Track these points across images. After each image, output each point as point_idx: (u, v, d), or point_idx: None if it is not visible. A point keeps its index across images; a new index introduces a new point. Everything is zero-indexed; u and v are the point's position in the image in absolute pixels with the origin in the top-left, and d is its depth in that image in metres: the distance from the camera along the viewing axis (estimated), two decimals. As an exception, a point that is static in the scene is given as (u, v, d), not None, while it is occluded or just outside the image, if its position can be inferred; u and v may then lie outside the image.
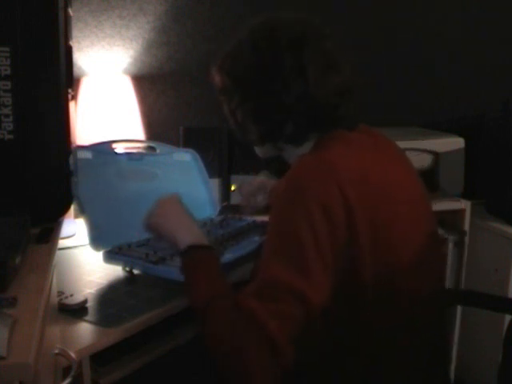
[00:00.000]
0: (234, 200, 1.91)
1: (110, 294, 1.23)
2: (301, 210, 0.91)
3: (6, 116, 0.94)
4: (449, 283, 1.92)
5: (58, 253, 0.98)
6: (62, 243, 1.42)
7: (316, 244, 0.90)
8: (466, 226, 1.90)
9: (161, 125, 2.02)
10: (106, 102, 1.79)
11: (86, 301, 1.15)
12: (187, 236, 1.08)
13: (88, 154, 1.42)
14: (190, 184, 1.67)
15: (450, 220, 1.92)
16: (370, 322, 0.98)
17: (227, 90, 1.11)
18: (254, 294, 0.90)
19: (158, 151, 1.63)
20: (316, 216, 0.90)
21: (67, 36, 0.99)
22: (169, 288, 1.23)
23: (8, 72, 0.93)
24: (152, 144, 1.65)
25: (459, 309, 1.94)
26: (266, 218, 1.67)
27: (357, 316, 0.98)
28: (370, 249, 0.94)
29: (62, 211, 1.03)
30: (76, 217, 1.61)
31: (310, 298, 0.89)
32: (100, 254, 1.33)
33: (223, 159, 1.91)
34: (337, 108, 1.05)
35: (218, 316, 0.92)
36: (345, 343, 1.00)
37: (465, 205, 1.88)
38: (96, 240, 1.34)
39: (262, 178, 1.55)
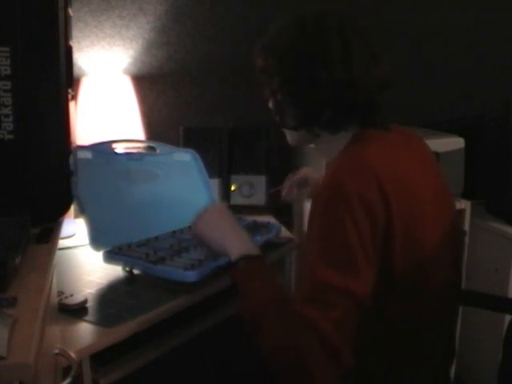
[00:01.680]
0: (234, 200, 1.91)
1: (110, 294, 1.23)
2: (344, 210, 0.92)
3: (6, 116, 0.94)
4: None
5: (58, 253, 0.98)
6: (61, 243, 1.42)
7: (361, 241, 0.91)
8: (466, 226, 1.90)
9: (161, 125, 2.02)
10: (105, 102, 1.79)
11: (85, 301, 1.15)
12: (238, 246, 1.08)
13: (88, 154, 1.42)
14: (189, 184, 1.67)
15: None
16: (394, 314, 0.99)
17: (270, 71, 1.11)
18: (308, 299, 0.90)
19: (158, 151, 1.63)
20: (359, 213, 0.91)
21: (67, 36, 0.99)
22: (169, 288, 1.23)
23: (8, 72, 0.93)
24: (152, 144, 1.65)
25: (459, 309, 1.93)
26: (266, 219, 1.68)
27: (383, 308, 0.99)
28: (402, 243, 0.96)
29: (62, 211, 1.03)
30: (76, 217, 1.61)
31: (361, 298, 0.90)
32: (100, 254, 1.33)
33: (223, 159, 1.91)
34: (376, 100, 1.06)
35: (276, 324, 0.92)
36: (370, 335, 1.01)
37: (465, 205, 1.88)
38: (96, 240, 1.34)
39: (306, 171, 1.56)
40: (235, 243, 1.09)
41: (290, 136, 1.18)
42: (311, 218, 0.98)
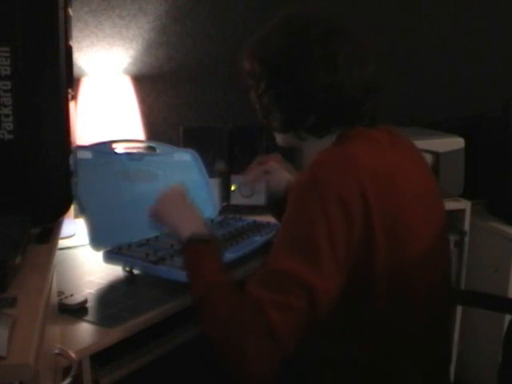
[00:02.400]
0: (234, 200, 1.91)
1: (110, 294, 1.23)
2: (317, 202, 0.92)
3: (6, 116, 0.93)
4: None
5: (58, 253, 0.98)
6: (62, 243, 1.42)
7: (329, 236, 0.91)
8: (466, 226, 1.90)
9: (161, 125, 2.02)
10: (106, 102, 1.79)
11: (86, 301, 1.15)
12: (188, 227, 1.09)
13: (88, 154, 1.42)
14: (190, 184, 1.66)
15: (450, 220, 1.91)
16: (382, 314, 0.99)
17: (255, 75, 1.12)
18: (259, 281, 0.91)
19: (158, 151, 1.63)
20: (332, 208, 0.91)
21: (67, 36, 0.99)
22: (169, 288, 1.23)
23: (8, 72, 0.93)
24: (152, 144, 1.65)
25: (459, 309, 1.94)
26: (266, 219, 1.68)
27: (370, 308, 0.98)
28: (386, 242, 0.95)
29: (62, 211, 1.03)
30: (76, 217, 1.61)
31: (316, 289, 0.89)
32: (100, 254, 1.33)
33: (223, 159, 1.90)
34: (361, 103, 1.05)
35: (219, 300, 0.94)
36: (357, 336, 1.01)
37: (465, 205, 1.88)
38: (96, 240, 1.34)
39: (275, 160, 1.52)
40: (187, 226, 1.10)
41: (278, 137, 1.19)
42: (287, 211, 0.98)
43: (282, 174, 1.47)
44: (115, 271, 1.32)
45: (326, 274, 0.91)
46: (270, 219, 1.72)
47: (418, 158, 1.13)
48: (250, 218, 1.64)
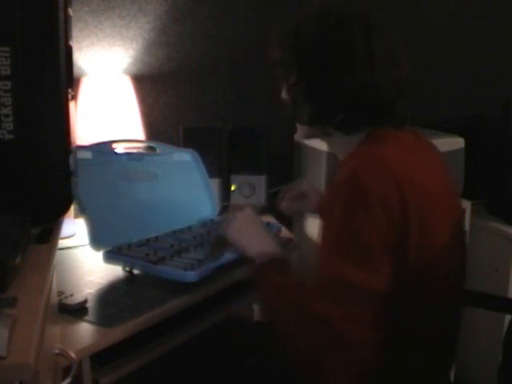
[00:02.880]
0: (234, 200, 1.91)
1: (110, 294, 1.23)
2: (363, 208, 0.92)
3: (6, 116, 0.93)
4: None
5: (58, 253, 0.98)
6: (62, 243, 1.42)
7: (379, 238, 0.92)
8: (466, 226, 1.90)
9: (161, 125, 2.02)
10: (106, 102, 1.79)
11: (86, 301, 1.15)
12: (260, 248, 1.10)
13: (88, 154, 1.42)
14: (190, 184, 1.67)
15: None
16: (400, 308, 1.00)
17: (287, 65, 1.09)
18: (321, 295, 0.91)
19: (157, 151, 1.63)
20: (378, 212, 0.92)
21: (67, 36, 0.99)
22: (169, 288, 1.23)
23: (8, 72, 0.93)
24: (152, 144, 1.65)
25: (463, 310, 1.93)
26: (266, 219, 1.68)
27: (397, 298, 0.99)
28: (416, 242, 0.96)
29: (62, 211, 1.03)
30: (76, 217, 1.61)
31: (377, 293, 0.91)
32: (100, 254, 1.33)
33: (223, 159, 1.91)
34: (393, 103, 1.05)
35: (296, 327, 0.93)
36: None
37: (465, 205, 1.88)
38: (96, 240, 1.34)
39: (306, 184, 1.53)
40: (258, 247, 1.11)
41: (302, 130, 1.17)
42: (328, 211, 0.97)
43: (316, 191, 1.49)
44: (115, 271, 1.32)
45: (382, 275, 0.92)
46: (270, 219, 1.72)
47: (439, 160, 1.14)
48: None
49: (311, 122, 1.10)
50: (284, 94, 1.14)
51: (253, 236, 1.16)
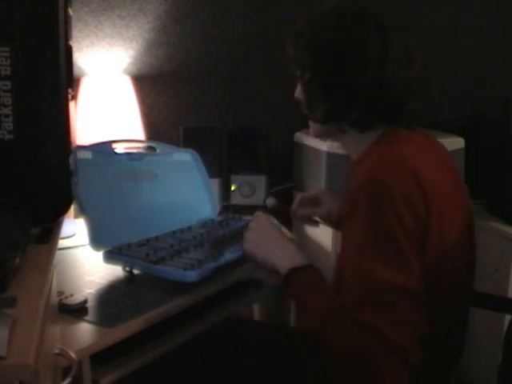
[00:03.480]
0: (234, 200, 1.91)
1: (110, 294, 1.23)
2: (389, 210, 0.92)
3: (6, 116, 0.93)
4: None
5: (58, 253, 0.97)
6: (61, 243, 1.42)
7: (407, 237, 0.92)
8: (466, 226, 1.90)
9: (161, 125, 2.02)
10: (106, 102, 1.79)
11: (86, 301, 1.15)
12: (285, 260, 1.06)
13: (88, 154, 1.42)
14: (190, 184, 1.67)
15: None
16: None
17: (302, 62, 1.10)
18: (362, 302, 0.90)
19: (157, 151, 1.63)
20: (404, 210, 0.92)
21: (67, 36, 0.99)
22: (169, 288, 1.23)
23: (8, 72, 0.93)
24: (152, 144, 1.65)
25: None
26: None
27: None
28: (434, 241, 0.96)
29: (62, 211, 1.02)
30: (76, 217, 1.61)
31: (416, 291, 0.91)
32: (100, 254, 1.33)
33: (223, 159, 1.91)
34: (406, 102, 1.06)
35: (340, 335, 0.92)
36: None
37: (465, 205, 1.88)
38: (96, 240, 1.34)
39: (319, 190, 1.52)
40: (282, 258, 1.07)
41: (315, 128, 1.17)
42: (349, 218, 0.97)
43: (331, 197, 1.45)
44: (115, 271, 1.32)
45: (414, 272, 0.92)
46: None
47: (449, 161, 1.15)
48: (250, 218, 1.64)
49: (325, 120, 1.11)
50: (298, 92, 1.15)
51: (274, 247, 1.11)
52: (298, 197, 1.48)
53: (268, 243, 1.13)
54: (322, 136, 1.21)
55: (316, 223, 1.49)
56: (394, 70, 1.03)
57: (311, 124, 1.17)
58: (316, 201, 1.44)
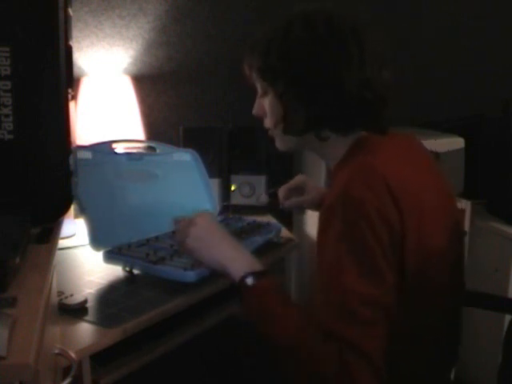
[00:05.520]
0: (234, 200, 1.91)
1: (110, 294, 1.23)
2: (362, 222, 0.91)
3: (6, 116, 0.93)
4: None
5: (58, 253, 0.98)
6: (61, 243, 1.42)
7: (382, 250, 0.91)
8: (466, 226, 1.90)
9: (161, 125, 2.02)
10: (106, 102, 1.79)
11: (86, 301, 1.15)
12: (239, 262, 1.02)
13: (88, 154, 1.42)
14: (190, 184, 1.67)
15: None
16: (400, 315, 0.98)
17: (276, 73, 1.05)
18: (336, 315, 0.89)
19: (157, 151, 1.63)
20: (377, 223, 0.91)
21: (67, 36, 0.99)
22: (169, 288, 1.23)
23: (8, 72, 0.93)
24: (152, 144, 1.65)
25: (463, 310, 1.93)
26: (266, 219, 1.68)
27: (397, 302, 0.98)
28: (413, 249, 0.95)
29: (62, 211, 1.03)
30: (76, 217, 1.61)
31: (389, 305, 0.90)
32: (100, 254, 1.33)
33: (223, 159, 1.91)
34: (386, 103, 1.05)
35: (310, 349, 0.89)
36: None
37: (465, 205, 1.88)
38: (96, 240, 1.34)
39: (301, 177, 1.52)
40: (235, 259, 1.03)
41: (286, 141, 1.13)
42: (324, 232, 0.95)
43: (312, 184, 1.49)
44: (115, 271, 1.32)
45: (390, 287, 0.91)
46: (270, 219, 1.73)
47: (430, 161, 1.14)
48: (250, 218, 1.64)
49: (305, 130, 1.07)
50: (258, 109, 1.13)
51: (225, 248, 1.06)
52: (282, 188, 1.50)
53: (218, 243, 1.08)
54: (292, 149, 1.16)
55: (302, 210, 1.52)
56: (372, 70, 1.01)
57: (280, 137, 1.12)
58: (300, 189, 1.48)
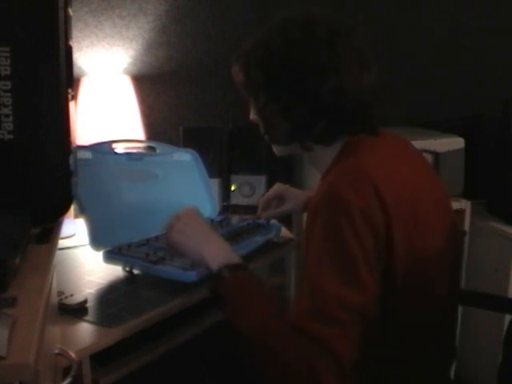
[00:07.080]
0: (234, 200, 1.91)
1: (110, 294, 1.23)
2: (346, 224, 0.91)
3: (6, 116, 0.93)
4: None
5: (58, 253, 0.98)
6: (61, 243, 1.42)
7: (364, 252, 0.90)
8: (466, 226, 1.90)
9: (161, 125, 2.02)
10: (106, 102, 1.79)
11: (86, 301, 1.15)
12: (217, 254, 1.04)
13: (88, 154, 1.42)
14: (189, 184, 1.67)
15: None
16: (395, 318, 0.99)
17: (256, 85, 1.07)
18: (312, 314, 0.89)
19: (157, 151, 1.63)
20: (360, 226, 0.91)
21: (67, 36, 0.99)
22: (169, 288, 1.23)
23: (8, 72, 0.93)
24: (152, 144, 1.65)
25: (459, 309, 1.93)
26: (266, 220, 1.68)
27: (385, 311, 0.97)
28: (404, 250, 0.95)
29: (62, 211, 1.03)
30: (76, 217, 1.61)
31: (366, 310, 0.90)
32: (100, 254, 1.33)
33: (223, 159, 1.91)
34: (370, 107, 1.04)
35: (281, 341, 0.89)
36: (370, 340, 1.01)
37: (465, 205, 1.88)
38: (96, 240, 1.34)
39: (279, 187, 1.53)
40: (214, 252, 1.04)
41: (278, 149, 1.16)
42: (310, 231, 0.96)
43: (293, 192, 1.50)
44: (115, 271, 1.32)
45: (369, 290, 0.91)
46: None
47: (422, 161, 1.13)
48: (250, 218, 1.64)
49: (289, 140, 1.08)
50: (253, 116, 1.13)
51: (205, 240, 1.07)
52: (261, 201, 1.52)
53: (199, 235, 1.09)
54: (287, 154, 1.17)
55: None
56: (350, 74, 1.00)
57: (272, 145, 1.15)
58: (280, 198, 1.50)
